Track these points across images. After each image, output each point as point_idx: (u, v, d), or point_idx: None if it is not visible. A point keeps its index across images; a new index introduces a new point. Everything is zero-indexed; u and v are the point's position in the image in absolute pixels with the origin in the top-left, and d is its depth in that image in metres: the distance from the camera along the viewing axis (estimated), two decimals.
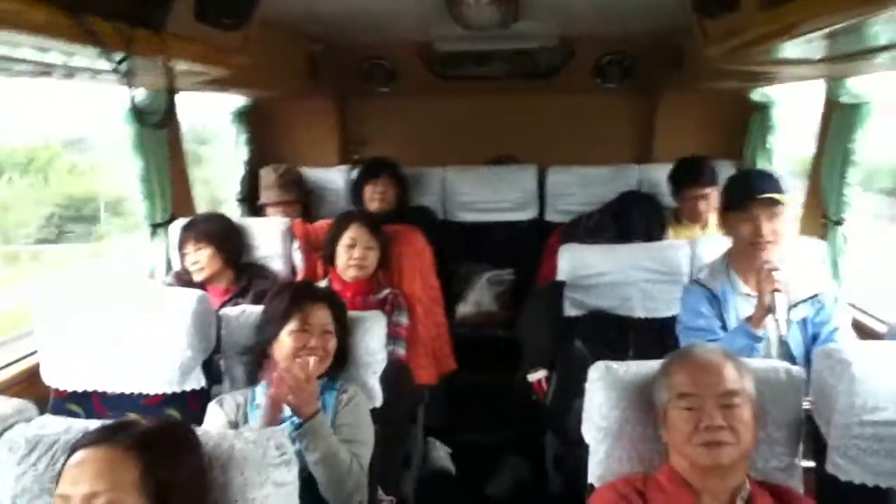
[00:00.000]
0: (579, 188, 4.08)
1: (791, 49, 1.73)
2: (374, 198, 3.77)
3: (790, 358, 2.28)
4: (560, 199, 4.13)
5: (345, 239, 2.85)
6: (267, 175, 3.90)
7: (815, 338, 2.31)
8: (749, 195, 2.28)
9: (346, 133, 4.72)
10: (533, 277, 3.70)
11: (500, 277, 3.92)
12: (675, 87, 4.01)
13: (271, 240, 3.18)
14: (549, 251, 3.54)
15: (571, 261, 2.93)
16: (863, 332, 2.57)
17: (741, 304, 2.35)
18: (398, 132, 4.60)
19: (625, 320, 2.91)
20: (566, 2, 3.20)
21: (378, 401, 2.25)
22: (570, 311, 2.93)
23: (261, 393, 2.05)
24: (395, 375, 2.39)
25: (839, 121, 2.89)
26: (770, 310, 2.20)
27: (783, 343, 2.31)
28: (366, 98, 4.69)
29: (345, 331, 2.18)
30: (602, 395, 1.72)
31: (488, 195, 4.19)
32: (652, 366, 1.73)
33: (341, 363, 2.17)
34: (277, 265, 3.18)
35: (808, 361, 2.22)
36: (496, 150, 4.58)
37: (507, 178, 4.24)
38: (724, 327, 2.36)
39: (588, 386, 1.76)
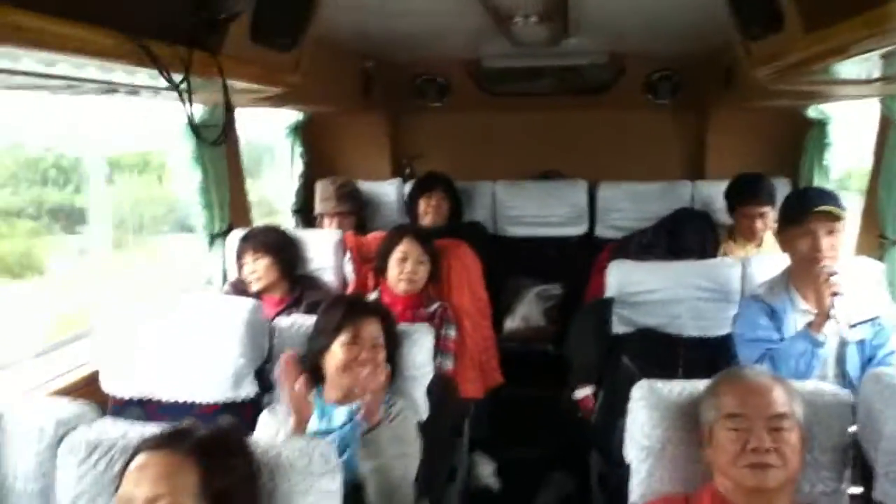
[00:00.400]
0: (630, 204, 4.05)
1: (838, 70, 1.71)
2: (428, 211, 3.82)
3: (845, 378, 2.27)
4: (610, 214, 4.11)
5: (397, 253, 2.89)
6: (325, 187, 3.98)
7: (870, 360, 2.27)
8: (807, 209, 2.29)
9: (399, 147, 4.79)
10: (582, 293, 3.67)
11: (548, 292, 3.92)
12: (724, 104, 3.96)
13: (324, 251, 3.24)
14: (598, 267, 3.52)
15: (620, 277, 2.92)
16: None
17: (800, 320, 2.33)
18: (449, 147, 4.65)
19: (674, 338, 2.87)
20: (614, 19, 3.20)
21: (424, 414, 2.27)
22: (619, 328, 2.90)
23: (313, 401, 2.09)
24: (441, 389, 2.41)
25: (894, 138, 2.82)
26: (829, 314, 2.20)
27: (840, 362, 2.29)
28: (417, 113, 4.75)
29: (394, 344, 2.21)
30: (645, 413, 1.72)
31: (538, 210, 4.21)
32: (696, 385, 1.72)
33: (390, 375, 2.20)
34: (329, 277, 3.24)
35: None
36: (544, 165, 4.58)
37: (557, 193, 4.25)
38: (782, 341, 2.34)
39: (631, 405, 1.76)
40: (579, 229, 4.20)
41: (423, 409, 2.27)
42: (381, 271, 2.95)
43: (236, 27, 2.07)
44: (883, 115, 2.94)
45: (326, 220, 3.91)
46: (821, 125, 3.78)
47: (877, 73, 1.79)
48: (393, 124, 4.75)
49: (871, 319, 2.29)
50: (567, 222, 4.20)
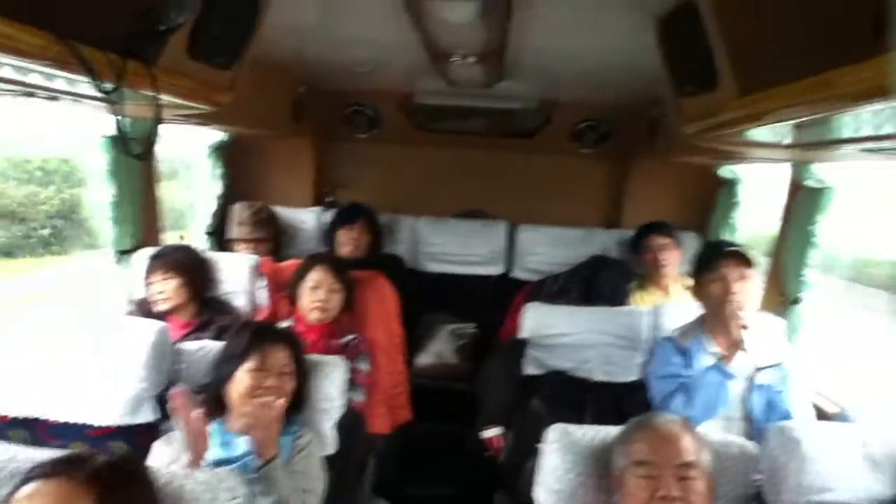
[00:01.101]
0: (548, 248, 4.11)
1: (762, 134, 1.80)
2: (348, 242, 3.76)
3: (750, 419, 2.41)
4: (528, 257, 4.16)
5: (309, 280, 2.83)
6: (241, 211, 3.88)
7: (772, 405, 2.40)
8: (720, 254, 2.48)
9: (323, 175, 4.73)
10: (495, 333, 3.70)
11: (462, 330, 3.91)
12: (646, 156, 4.10)
13: (238, 276, 3.14)
14: (513, 308, 3.56)
15: (535, 319, 2.95)
16: (817, 411, 2.61)
17: (710, 361, 2.46)
18: (374, 178, 4.62)
19: (583, 382, 2.91)
20: (549, 67, 3.27)
21: (331, 448, 2.21)
22: (531, 369, 2.93)
23: (214, 431, 2.00)
24: (350, 424, 2.35)
25: (802, 203, 2.98)
26: (738, 345, 2.35)
27: (745, 403, 2.42)
28: (345, 143, 4.72)
29: (303, 373, 2.15)
30: (558, 458, 1.72)
31: (458, 248, 4.22)
32: (609, 431, 1.74)
33: (298, 406, 2.14)
34: (241, 302, 3.14)
35: (764, 429, 2.31)
36: (469, 203, 4.62)
37: (478, 232, 4.27)
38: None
39: (545, 448, 1.76)
40: (496, 269, 4.23)
41: (330, 444, 2.22)
42: (293, 299, 2.88)
43: (174, 40, 2.00)
44: (792, 180, 3.11)
45: (238, 246, 3.80)
46: (731, 184, 3.95)
47: (792, 140, 1.89)
48: (319, 152, 4.69)
49: (775, 366, 2.43)
50: (485, 262, 4.22)
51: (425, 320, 3.97)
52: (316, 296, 2.80)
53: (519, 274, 4.17)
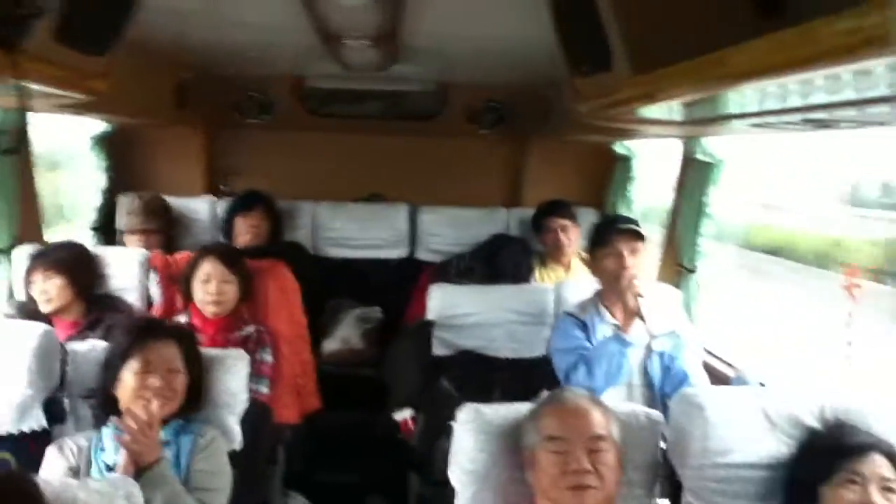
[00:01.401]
0: (450, 229, 4.12)
1: (655, 111, 1.84)
2: (246, 231, 3.64)
3: (650, 386, 2.51)
4: (431, 238, 4.15)
5: (200, 274, 2.71)
6: (130, 202, 3.67)
7: (669, 369, 2.51)
8: (613, 230, 2.57)
9: (215, 164, 4.56)
10: (402, 316, 3.70)
11: (368, 315, 3.88)
12: (543, 136, 4.16)
13: (128, 271, 3.00)
14: (419, 290, 3.55)
15: (441, 300, 2.96)
16: (713, 375, 2.73)
17: (608, 332, 2.54)
18: (270, 166, 4.49)
19: (491, 360, 2.95)
20: (443, 48, 3.25)
21: (237, 444, 2.14)
22: (439, 350, 2.94)
23: (108, 435, 1.90)
24: (256, 417, 2.28)
25: (694, 176, 3.10)
26: (636, 313, 2.44)
27: (645, 371, 2.52)
28: (237, 130, 4.56)
29: (198, 368, 2.06)
30: (471, 437, 1.72)
31: (359, 232, 4.17)
32: (520, 408, 1.75)
33: (195, 404, 2.05)
34: (133, 298, 3.00)
35: (664, 394, 2.46)
36: (368, 188, 4.57)
37: (379, 215, 4.23)
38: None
39: (457, 428, 1.76)
40: (400, 252, 4.20)
41: (236, 439, 2.15)
42: (186, 294, 2.77)
43: (41, 25, 1.86)
44: (685, 155, 3.23)
45: (129, 238, 3.61)
46: (626, 160, 4.07)
47: (683, 117, 1.95)
48: (210, 140, 4.52)
49: (670, 333, 2.54)
50: (388, 245, 4.19)
51: (330, 307, 3.92)
52: (208, 289, 2.69)
53: (423, 255, 4.16)
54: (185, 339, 2.07)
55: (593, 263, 2.66)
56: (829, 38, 0.88)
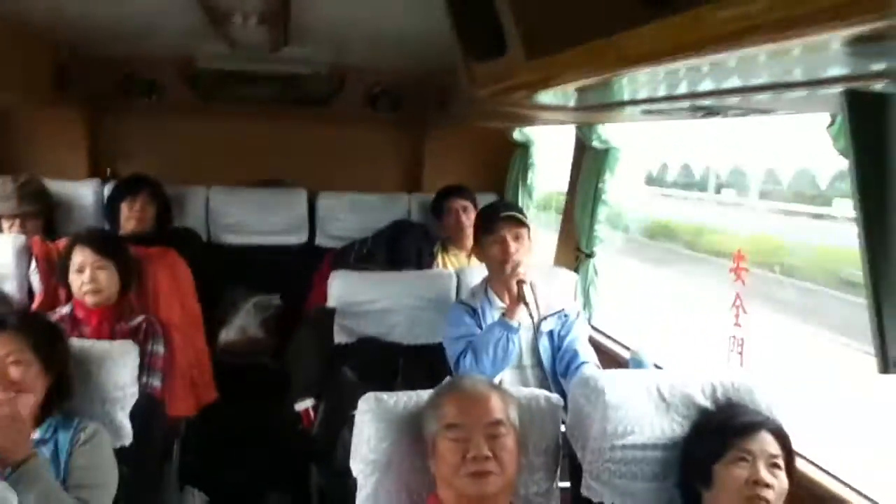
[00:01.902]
0: (350, 214, 4.07)
1: (550, 97, 1.86)
2: (132, 216, 3.47)
3: (541, 367, 2.58)
4: (331, 224, 4.09)
5: (73, 264, 2.56)
6: (3, 184, 3.43)
7: (560, 348, 2.59)
8: (496, 217, 2.62)
9: (99, 147, 4.31)
10: (301, 303, 3.62)
11: (267, 302, 3.79)
12: (442, 122, 4.15)
13: (4, 258, 2.83)
14: (319, 277, 3.49)
15: (342, 287, 2.92)
16: (610, 357, 2.81)
17: (497, 317, 2.58)
18: (160, 149, 4.28)
19: (393, 347, 2.94)
20: (337, 31, 3.18)
21: (127, 439, 2.07)
22: (340, 337, 2.91)
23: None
24: (147, 410, 2.21)
25: (589, 163, 3.16)
26: (520, 298, 2.49)
27: (535, 352, 2.58)
28: (122, 112, 4.32)
29: (58, 359, 1.96)
30: (371, 427, 1.70)
31: (256, 218, 4.05)
32: (421, 395, 1.74)
33: (62, 397, 1.95)
34: (10, 287, 2.82)
35: (554, 372, 2.54)
36: (265, 173, 4.44)
37: (276, 201, 4.13)
38: None
39: (357, 418, 1.73)
40: (299, 238, 4.12)
41: (126, 434, 2.07)
42: (66, 285, 2.62)
43: None
44: (579, 141, 3.29)
45: (5, 223, 3.38)
46: (525, 147, 4.11)
47: (577, 103, 1.97)
48: (92, 122, 4.27)
49: (558, 312, 2.63)
50: (286, 231, 4.10)
51: (227, 295, 3.81)
52: (83, 278, 2.55)
53: (322, 241, 4.09)
54: (34, 327, 1.96)
55: (480, 251, 2.71)
56: (714, 26, 0.90)
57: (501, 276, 2.58)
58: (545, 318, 2.59)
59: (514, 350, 2.50)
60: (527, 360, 2.60)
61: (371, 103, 4.45)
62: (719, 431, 1.66)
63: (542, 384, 2.50)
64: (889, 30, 0.75)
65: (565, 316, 2.62)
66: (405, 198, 4.20)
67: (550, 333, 2.60)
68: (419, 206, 4.14)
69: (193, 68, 4.10)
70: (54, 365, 1.93)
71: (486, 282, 2.71)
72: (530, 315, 2.53)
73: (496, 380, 2.46)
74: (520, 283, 2.51)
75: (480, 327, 2.59)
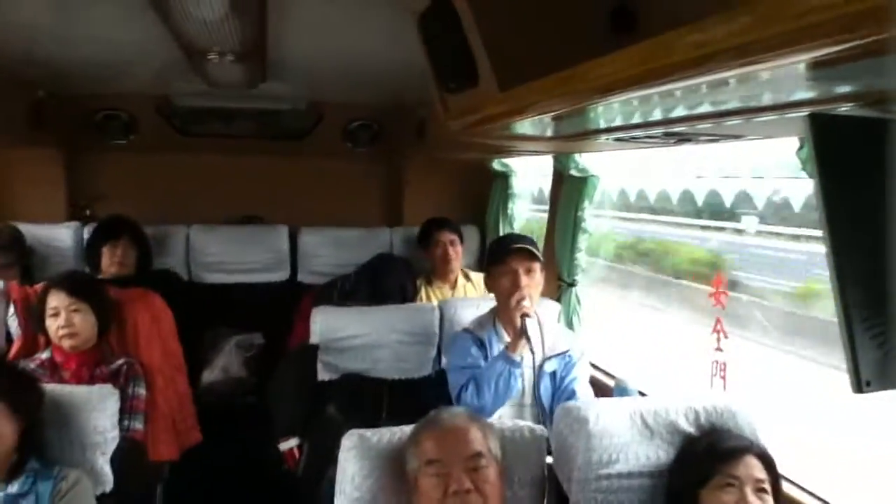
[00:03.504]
0: (332, 249, 4.06)
1: (525, 127, 1.87)
2: (113, 262, 3.43)
3: (539, 406, 2.53)
4: (313, 260, 4.08)
5: (48, 308, 2.53)
6: None
7: (559, 390, 2.55)
8: (507, 249, 2.58)
9: (76, 187, 4.28)
10: (284, 341, 3.59)
11: (249, 342, 3.75)
12: (420, 154, 4.17)
13: None
14: (301, 314, 3.47)
15: (325, 323, 2.90)
16: (596, 387, 2.80)
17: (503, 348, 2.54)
18: (136, 188, 4.25)
19: (378, 382, 2.91)
20: (314, 67, 3.19)
21: (108, 486, 2.04)
22: (324, 374, 2.88)
23: None
24: (128, 455, 2.19)
25: (568, 191, 3.18)
26: (523, 333, 2.44)
27: (535, 391, 2.53)
28: (99, 151, 4.30)
29: (29, 407, 1.93)
30: (355, 464, 1.68)
31: (237, 256, 4.03)
32: (405, 431, 1.72)
33: (34, 445, 1.92)
34: None
35: (553, 412, 2.45)
36: (243, 210, 4.43)
37: (257, 238, 4.11)
38: None
39: (341, 456, 1.71)
40: (280, 276, 4.10)
41: (106, 480, 2.05)
42: (43, 331, 2.58)
43: None
44: (556, 171, 3.31)
45: None
46: (504, 177, 4.14)
47: (552, 133, 1.99)
48: (69, 162, 4.24)
49: (562, 353, 2.58)
50: (268, 268, 4.08)
51: (208, 335, 3.77)
52: (58, 321, 2.51)
53: (304, 278, 4.07)
54: (2, 376, 1.94)
55: (490, 281, 2.67)
56: (680, 51, 0.92)
57: (509, 309, 2.54)
58: (549, 358, 2.55)
59: (516, 385, 2.46)
60: (527, 399, 2.56)
61: (349, 137, 4.48)
62: (705, 457, 1.65)
63: (539, 423, 2.47)
64: (849, 54, 0.77)
65: (569, 357, 2.58)
66: (387, 231, 4.20)
67: (553, 374, 2.56)
68: (401, 240, 4.14)
69: (170, 106, 4.10)
70: (24, 411, 1.89)
71: (494, 313, 2.67)
72: (532, 352, 2.47)
73: (496, 415, 2.45)
74: (524, 316, 2.48)
75: (486, 359, 2.55)
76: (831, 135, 1.03)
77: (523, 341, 2.46)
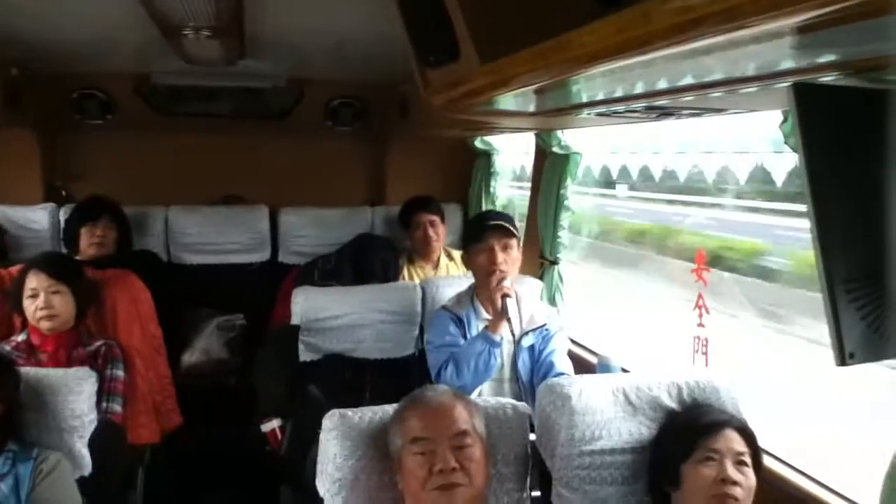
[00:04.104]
0: (313, 230, 4.03)
1: (508, 102, 1.85)
2: (93, 242, 3.37)
3: (518, 381, 2.55)
4: (294, 240, 4.04)
5: (26, 290, 2.49)
6: None
7: (538, 361, 2.56)
8: (484, 226, 2.60)
9: (52, 168, 4.21)
10: (265, 322, 3.57)
11: (230, 323, 3.72)
12: (403, 132, 4.13)
13: None
14: (282, 294, 3.45)
15: (306, 304, 2.88)
16: (579, 364, 2.80)
17: (482, 327, 2.55)
18: (114, 168, 4.19)
19: (361, 363, 2.90)
20: (294, 43, 3.14)
21: (87, 469, 2.02)
22: (306, 355, 2.86)
23: None
24: (106, 438, 2.16)
25: (550, 169, 3.17)
26: (504, 312, 2.45)
27: (514, 366, 2.55)
28: (76, 131, 4.23)
29: (6, 390, 1.90)
30: (336, 445, 1.66)
31: (216, 236, 3.98)
32: (388, 410, 1.71)
33: (12, 428, 1.91)
34: None
35: (532, 386, 2.50)
36: (224, 190, 4.37)
37: (237, 218, 4.07)
38: None
39: (322, 436, 1.70)
40: (261, 256, 4.06)
41: (85, 464, 2.03)
42: (19, 313, 2.55)
43: None
44: (538, 148, 3.30)
45: None
46: (486, 155, 4.12)
47: (534, 108, 1.97)
48: (45, 142, 4.17)
49: (539, 328, 2.59)
50: (248, 249, 4.04)
51: (189, 316, 3.73)
52: (37, 303, 2.47)
53: (286, 258, 4.04)
54: None
55: (468, 259, 2.68)
56: (662, 19, 0.90)
57: (487, 286, 2.55)
58: (526, 332, 2.56)
59: (495, 363, 2.47)
60: (505, 374, 2.57)
61: (331, 116, 4.42)
62: (685, 431, 1.65)
63: (518, 398, 2.46)
64: (835, 18, 0.75)
65: (546, 330, 2.59)
66: (368, 211, 4.17)
67: (531, 348, 2.57)
68: (383, 219, 4.11)
69: (148, 85, 4.03)
70: (2, 396, 1.87)
71: (472, 290, 2.67)
72: (511, 331, 2.48)
73: (475, 392, 2.45)
74: (504, 296, 2.48)
75: (465, 337, 2.57)
76: (816, 104, 1.01)
77: (503, 321, 2.47)
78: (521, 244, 3.20)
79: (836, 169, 1.01)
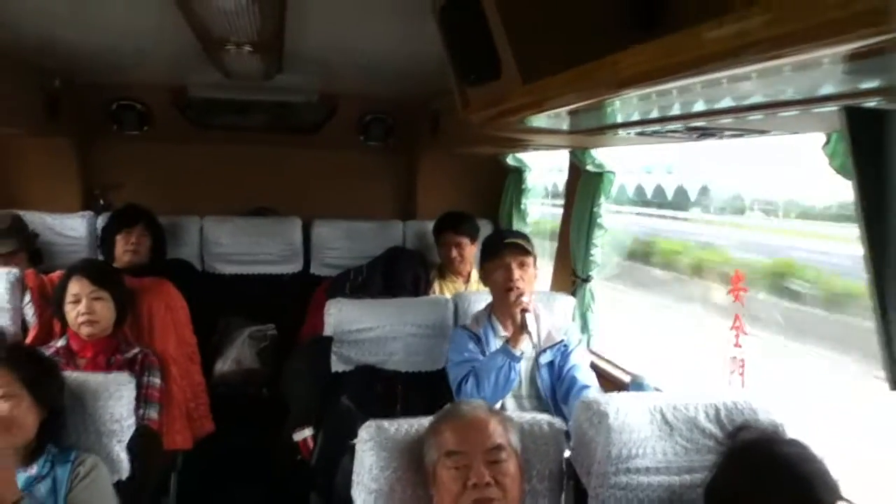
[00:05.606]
0: (345, 242, 4.07)
1: (544, 120, 1.86)
2: (128, 249, 3.43)
3: (538, 398, 2.57)
4: (325, 252, 4.08)
5: (68, 295, 2.54)
6: None
7: (559, 378, 2.58)
8: (501, 244, 2.63)
9: (91, 177, 4.29)
10: (296, 333, 3.60)
11: (262, 333, 3.75)
12: (435, 148, 4.15)
13: None
14: (314, 306, 3.48)
15: (339, 315, 2.90)
16: (610, 382, 2.79)
17: (499, 344, 2.59)
18: (150, 178, 4.26)
19: (392, 375, 2.91)
20: (329, 59, 3.19)
21: (124, 473, 2.05)
22: (338, 366, 2.88)
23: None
24: (144, 444, 2.19)
25: (584, 187, 3.17)
26: (523, 327, 2.49)
27: (532, 383, 2.58)
28: (114, 141, 4.31)
29: (51, 393, 1.94)
30: (373, 455, 1.68)
31: (250, 247, 4.03)
32: (423, 423, 1.72)
33: (55, 432, 1.94)
34: (4, 321, 2.80)
35: (555, 401, 2.53)
36: (256, 202, 4.43)
37: (270, 229, 4.12)
38: None
39: (358, 447, 1.71)
40: (293, 267, 4.10)
41: (123, 468, 2.05)
42: (60, 318, 2.60)
43: None
44: (572, 165, 3.30)
45: None
46: (518, 172, 4.12)
47: (573, 127, 1.98)
48: (84, 152, 4.25)
49: (557, 344, 2.61)
50: (281, 260, 4.08)
51: (222, 326, 3.78)
52: (79, 308, 2.52)
53: (317, 270, 4.08)
54: (20, 361, 1.94)
55: (485, 276, 2.71)
56: (709, 44, 0.91)
57: (504, 303, 2.59)
58: (544, 350, 2.59)
59: (515, 378, 2.51)
60: (525, 390, 2.60)
61: (363, 130, 4.47)
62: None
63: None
64: (886, 45, 0.76)
65: (565, 346, 2.61)
66: (399, 225, 4.20)
67: (550, 365, 2.59)
68: (414, 233, 4.13)
69: (185, 97, 4.11)
70: (46, 399, 1.91)
71: (490, 308, 2.71)
72: (533, 346, 2.53)
73: (497, 406, 2.46)
74: (523, 312, 2.52)
75: (483, 353, 2.59)
76: (867, 128, 1.01)
77: (524, 336, 2.51)
78: (555, 261, 3.22)
79: (888, 191, 1.00)
